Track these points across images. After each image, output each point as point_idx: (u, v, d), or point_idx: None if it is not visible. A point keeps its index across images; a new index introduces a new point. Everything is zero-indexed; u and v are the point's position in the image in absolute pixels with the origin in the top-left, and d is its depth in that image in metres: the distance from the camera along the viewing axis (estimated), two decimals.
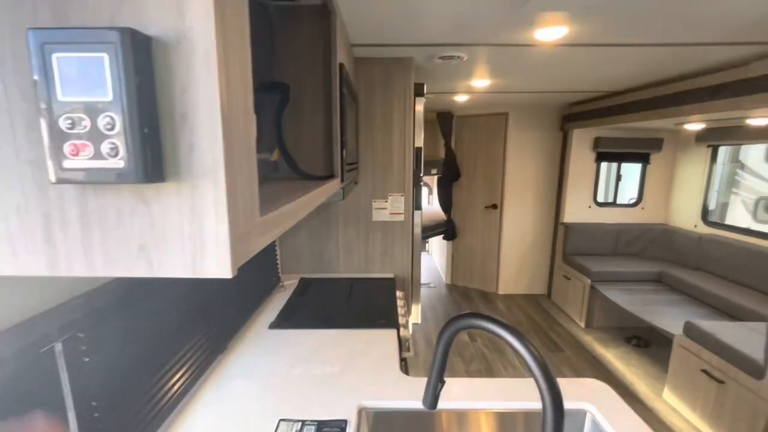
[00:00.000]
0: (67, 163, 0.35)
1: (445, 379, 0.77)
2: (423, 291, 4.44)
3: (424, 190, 4.09)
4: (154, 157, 0.36)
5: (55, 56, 0.33)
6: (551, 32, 1.54)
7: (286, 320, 1.61)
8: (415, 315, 2.39)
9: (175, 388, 1.04)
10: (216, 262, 0.39)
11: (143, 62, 0.34)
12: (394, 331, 1.52)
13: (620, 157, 3.84)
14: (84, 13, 0.34)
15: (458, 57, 1.92)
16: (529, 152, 4.10)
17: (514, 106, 3.94)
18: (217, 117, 0.36)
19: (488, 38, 1.65)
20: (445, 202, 4.46)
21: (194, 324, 1.17)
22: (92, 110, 0.34)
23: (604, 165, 3.96)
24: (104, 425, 0.77)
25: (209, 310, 1.26)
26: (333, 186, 1.20)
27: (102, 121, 0.34)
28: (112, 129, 0.34)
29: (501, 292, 4.42)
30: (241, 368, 1.25)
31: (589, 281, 3.44)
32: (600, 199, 4.01)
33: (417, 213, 2.21)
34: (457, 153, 4.39)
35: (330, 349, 1.37)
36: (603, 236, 3.87)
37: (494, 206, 4.28)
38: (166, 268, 0.39)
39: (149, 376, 0.94)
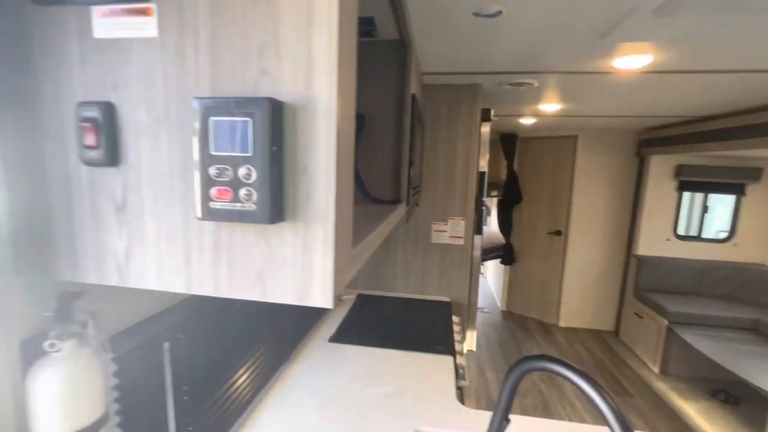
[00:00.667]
0: (211, 204, 0.42)
1: (510, 417, 0.76)
2: (477, 316, 4.31)
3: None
4: (278, 202, 0.42)
5: (212, 119, 0.41)
6: (634, 60, 1.47)
7: (345, 335, 1.67)
8: (470, 342, 2.34)
9: (246, 390, 1.13)
10: (320, 293, 0.44)
11: (277, 123, 0.41)
12: (450, 359, 1.51)
13: (707, 187, 3.48)
14: (233, 84, 0.42)
15: (528, 84, 1.90)
16: (600, 177, 3.87)
17: (585, 129, 3.76)
18: (332, 169, 0.42)
19: (562, 66, 1.62)
20: (505, 225, 4.34)
21: (263, 332, 1.27)
22: (235, 162, 0.41)
23: (686, 195, 3.61)
24: (191, 407, 0.88)
25: (277, 319, 1.36)
26: (400, 211, 1.25)
27: (242, 172, 0.41)
28: (249, 178, 0.41)
29: (562, 324, 4.16)
30: (304, 379, 1.32)
31: (666, 322, 3.12)
32: (681, 231, 3.64)
33: (477, 238, 2.18)
34: (519, 175, 4.28)
35: (387, 369, 1.40)
36: (683, 273, 3.50)
37: (558, 233, 4.08)
38: (277, 294, 0.45)
39: (225, 375, 1.04)
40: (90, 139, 0.45)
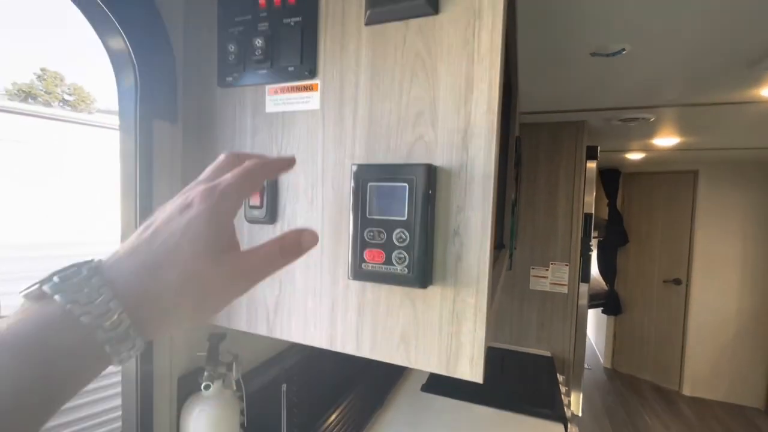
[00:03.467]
0: (363, 266, 0.43)
1: None
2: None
3: None
4: (429, 266, 0.41)
5: (369, 185, 0.42)
6: None
7: (437, 385, 1.58)
8: (576, 405, 2.05)
9: None
10: (470, 365, 0.41)
11: (431, 188, 0.41)
12: (560, 427, 1.33)
13: None
14: (388, 149, 0.44)
15: (644, 119, 1.73)
16: (731, 218, 3.28)
17: (708, 162, 3.27)
18: (487, 232, 0.40)
19: (687, 98, 1.45)
20: (608, 269, 3.88)
21: (359, 375, 1.26)
22: (390, 226, 0.42)
23: None
24: None
25: (372, 364, 1.35)
26: (503, 257, 1.18)
27: (396, 235, 0.41)
28: (403, 242, 0.41)
29: (687, 392, 3.47)
30: (397, 430, 1.27)
31: None
32: None
33: (583, 286, 1.97)
34: (623, 214, 3.84)
35: None
36: None
37: (676, 281, 3.51)
38: (422, 361, 0.43)
39: (323, 418, 1.04)
40: (255, 200, 0.51)
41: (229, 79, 0.52)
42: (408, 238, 0.41)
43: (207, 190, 0.28)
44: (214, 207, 0.28)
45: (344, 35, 0.45)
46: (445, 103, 0.41)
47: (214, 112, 0.54)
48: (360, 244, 0.43)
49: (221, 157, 0.33)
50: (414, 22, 0.42)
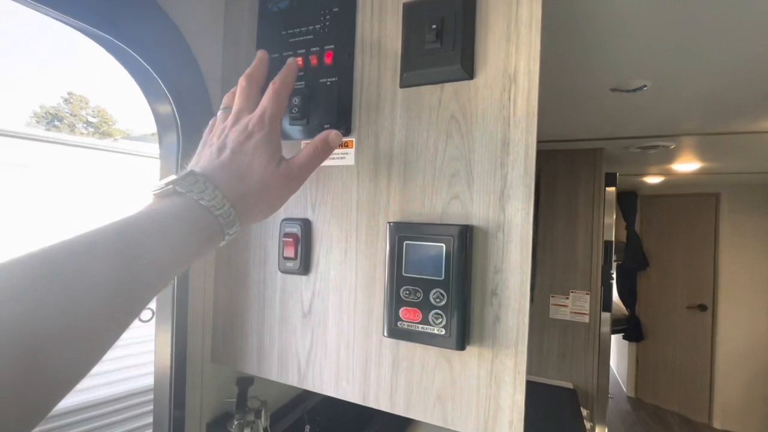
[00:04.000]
0: (399, 324, 0.43)
1: None
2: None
3: None
4: (466, 327, 0.41)
5: (405, 243, 0.43)
6: None
7: None
8: None
9: None
10: (509, 428, 0.40)
11: (467, 247, 0.41)
12: None
13: None
14: (423, 208, 0.45)
15: (664, 146, 1.72)
16: (758, 242, 3.18)
17: (730, 186, 3.20)
18: (526, 294, 0.40)
19: (709, 128, 1.43)
20: (628, 294, 3.77)
21: (381, 413, 1.23)
22: (426, 285, 0.42)
23: None
24: None
25: None
26: None
27: (433, 295, 0.41)
28: (440, 302, 0.41)
29: (718, 425, 3.29)
30: None
31: None
32: None
33: (605, 315, 1.91)
34: (642, 238, 3.76)
35: None
36: None
37: (701, 307, 3.38)
38: (459, 423, 0.42)
39: None
40: (289, 252, 0.51)
41: None
42: (445, 299, 0.41)
43: (259, 120, 0.39)
44: (268, 132, 0.39)
45: (379, 96, 0.47)
46: (481, 164, 0.42)
47: None
48: (396, 302, 0.43)
49: (242, 81, 0.42)
50: (449, 86, 0.43)
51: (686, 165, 2.22)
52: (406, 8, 0.45)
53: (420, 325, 0.42)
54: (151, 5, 0.47)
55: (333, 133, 0.43)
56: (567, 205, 1.92)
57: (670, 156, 1.99)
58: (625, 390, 3.97)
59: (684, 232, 3.54)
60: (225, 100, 0.45)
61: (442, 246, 0.41)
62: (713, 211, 3.33)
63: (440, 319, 0.41)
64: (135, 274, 0.28)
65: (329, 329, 0.50)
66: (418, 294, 0.42)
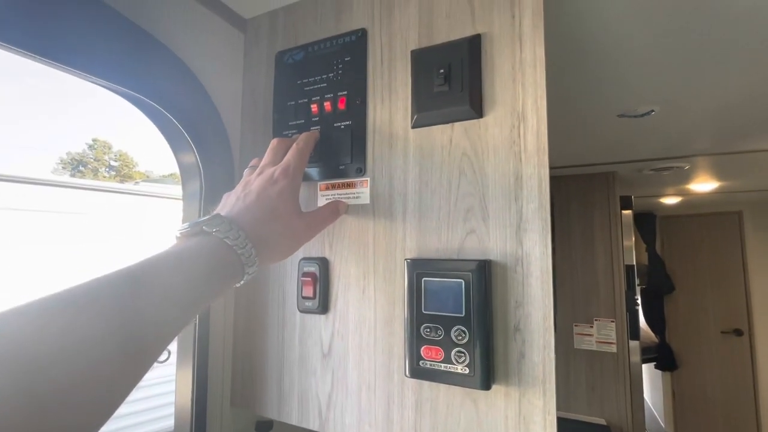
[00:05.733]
0: (421, 363, 0.42)
1: None
2: None
3: None
4: (491, 365, 0.40)
5: (423, 280, 0.43)
6: None
7: None
8: None
9: None
10: None
11: (486, 282, 0.41)
12: None
13: None
14: (440, 243, 0.45)
15: (677, 167, 1.70)
16: None
17: (752, 203, 3.12)
18: (550, 328, 0.39)
19: (725, 147, 1.42)
20: (656, 319, 3.60)
21: None
22: (447, 323, 0.41)
23: None
24: None
25: None
26: None
27: (454, 333, 0.41)
28: (462, 339, 0.40)
29: None
30: None
31: None
32: None
33: (634, 344, 1.83)
34: (665, 260, 3.64)
35: None
36: None
37: (737, 332, 3.21)
38: None
39: None
40: (307, 291, 0.52)
41: None
42: (467, 336, 0.40)
43: (284, 171, 0.43)
44: (291, 181, 0.43)
45: (392, 136, 0.49)
46: (495, 199, 0.42)
47: None
48: (417, 340, 0.43)
49: (274, 142, 0.48)
50: (459, 125, 0.45)
51: (703, 185, 2.19)
52: (414, 55, 0.48)
53: (443, 364, 0.41)
54: (175, 62, 0.51)
55: (342, 204, 0.50)
56: (583, 231, 1.89)
57: (685, 177, 1.97)
58: (663, 425, 3.71)
59: (708, 253, 3.42)
60: (253, 161, 0.49)
61: (461, 282, 0.41)
62: (737, 229, 3.22)
63: (463, 357, 0.40)
64: (147, 316, 0.28)
65: (350, 370, 0.49)
66: (439, 331, 0.42)
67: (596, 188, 1.88)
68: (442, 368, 0.41)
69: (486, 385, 0.39)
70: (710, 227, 3.41)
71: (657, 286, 3.62)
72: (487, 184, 0.43)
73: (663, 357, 3.58)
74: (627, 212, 1.89)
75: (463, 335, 0.40)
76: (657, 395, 3.87)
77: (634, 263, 1.87)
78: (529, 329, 0.40)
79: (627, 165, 1.70)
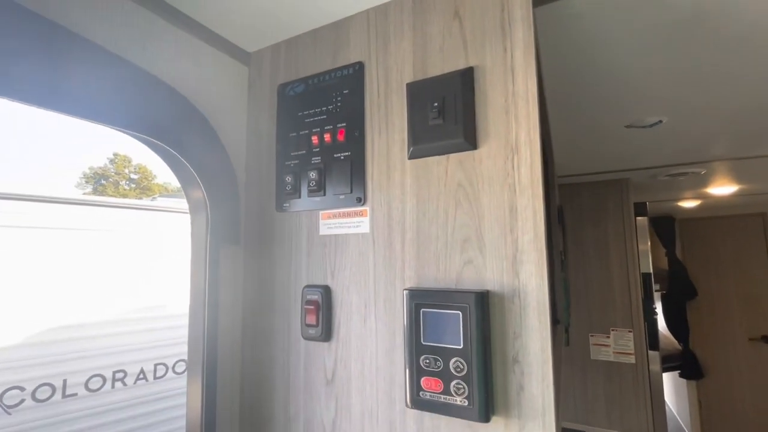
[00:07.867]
0: (421, 394, 0.43)
1: None
2: None
3: None
4: (490, 397, 0.40)
5: (422, 311, 0.44)
6: None
7: None
8: None
9: None
10: None
11: (484, 313, 0.41)
12: None
13: None
14: (438, 272, 0.45)
15: (692, 173, 1.66)
16: None
17: None
18: (548, 360, 0.39)
19: (741, 152, 1.38)
20: (678, 326, 3.49)
21: None
22: (446, 354, 0.42)
23: None
24: None
25: None
26: (560, 333, 1.11)
27: (453, 365, 0.41)
28: (460, 372, 0.41)
29: None
30: None
31: None
32: None
33: (653, 354, 1.78)
34: (686, 264, 3.53)
35: None
36: None
37: (766, 339, 3.08)
38: None
39: None
40: (311, 319, 0.53)
41: (286, 205, 0.57)
42: (466, 369, 0.40)
43: None
44: None
45: (389, 168, 0.50)
46: (491, 230, 0.43)
47: (272, 234, 0.59)
48: (417, 371, 0.43)
49: None
50: (454, 156, 0.46)
51: (722, 189, 2.12)
52: (410, 88, 0.49)
53: (442, 396, 0.41)
54: (184, 104, 0.54)
55: None
56: (596, 240, 1.86)
57: (702, 181, 1.92)
58: None
59: (731, 256, 3.30)
60: None
61: (459, 314, 0.41)
62: (761, 231, 3.11)
63: (462, 389, 0.40)
64: None
65: (353, 397, 0.50)
66: (438, 363, 0.42)
67: (609, 195, 1.84)
68: (442, 399, 0.41)
69: (485, 417, 0.39)
70: (732, 230, 3.30)
71: (678, 291, 3.51)
72: (482, 215, 0.43)
73: (687, 365, 3.46)
74: (642, 219, 1.85)
75: (462, 367, 0.41)
76: (683, 405, 3.74)
77: (651, 271, 1.82)
78: (527, 361, 0.40)
79: (640, 172, 1.67)
